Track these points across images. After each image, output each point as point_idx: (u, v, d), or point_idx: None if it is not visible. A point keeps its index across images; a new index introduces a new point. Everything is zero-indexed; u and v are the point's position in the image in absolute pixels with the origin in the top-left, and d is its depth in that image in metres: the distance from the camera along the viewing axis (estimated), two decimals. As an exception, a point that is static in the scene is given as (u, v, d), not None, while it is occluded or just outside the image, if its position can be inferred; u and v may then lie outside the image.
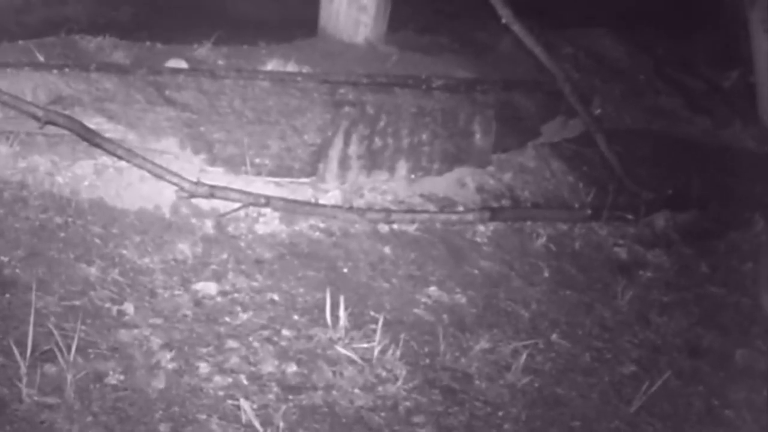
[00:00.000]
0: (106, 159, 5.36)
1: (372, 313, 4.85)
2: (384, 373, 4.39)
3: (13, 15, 7.22)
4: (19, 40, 5.95)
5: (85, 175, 5.30)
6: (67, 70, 5.39)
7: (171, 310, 4.56)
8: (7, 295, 4.34)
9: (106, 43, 6.19)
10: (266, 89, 5.74)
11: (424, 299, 5.15)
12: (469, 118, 6.36)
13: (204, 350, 4.31)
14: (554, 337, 5.05)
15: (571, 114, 7.04)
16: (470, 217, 5.96)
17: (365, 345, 4.51)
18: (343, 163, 5.90)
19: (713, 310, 5.70)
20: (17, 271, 4.54)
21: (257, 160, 5.64)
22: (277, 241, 5.36)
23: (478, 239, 5.90)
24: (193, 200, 5.36)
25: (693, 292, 5.86)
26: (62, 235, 4.89)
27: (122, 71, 5.57)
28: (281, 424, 3.90)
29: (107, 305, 4.47)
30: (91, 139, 5.23)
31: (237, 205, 5.39)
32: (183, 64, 5.95)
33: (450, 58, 7.21)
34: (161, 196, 5.35)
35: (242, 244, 5.26)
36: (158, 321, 4.46)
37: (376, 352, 4.45)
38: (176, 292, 4.72)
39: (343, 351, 4.44)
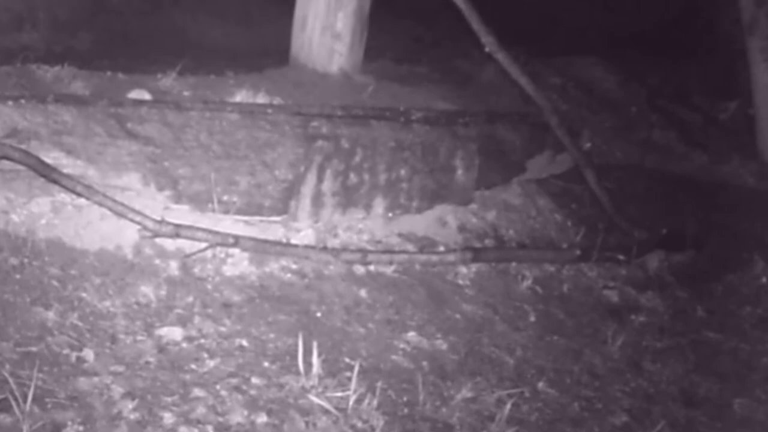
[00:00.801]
0: (64, 196, 5.38)
1: (347, 360, 4.88)
2: (360, 424, 4.41)
3: (-35, 43, 7.26)
4: (-29, 69, 5.96)
5: (42, 213, 5.32)
6: (23, 101, 5.40)
7: (133, 357, 4.58)
8: (-41, 341, 4.35)
9: (64, 72, 6.21)
10: (235, 122, 5.79)
11: (402, 345, 5.19)
12: (451, 152, 6.43)
13: (168, 399, 4.32)
14: (541, 385, 5.09)
15: (559, 148, 7.14)
16: (451, 257, 6.02)
17: (340, 394, 4.53)
18: (317, 201, 5.94)
19: (710, 356, 5.76)
20: (-31, 315, 4.56)
21: (225, 198, 5.67)
22: (246, 283, 5.41)
23: (460, 281, 5.96)
24: (157, 240, 5.40)
25: (688, 338, 5.92)
26: (18, 276, 4.92)
27: (81, 103, 5.60)
28: (251, 478, 3.95)
29: (65, 351, 4.49)
30: (49, 174, 5.24)
31: (203, 245, 5.44)
32: (146, 95, 5.98)
33: (430, 88, 7.26)
34: (123, 235, 5.38)
35: (209, 286, 5.31)
36: (120, 368, 4.47)
37: (351, 402, 4.47)
38: (139, 338, 4.74)
39: (316, 400, 4.45)
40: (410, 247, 6.11)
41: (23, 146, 5.26)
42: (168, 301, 5.09)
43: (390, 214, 6.25)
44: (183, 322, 4.95)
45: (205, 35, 7.71)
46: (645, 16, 11.08)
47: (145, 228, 5.31)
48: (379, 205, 6.19)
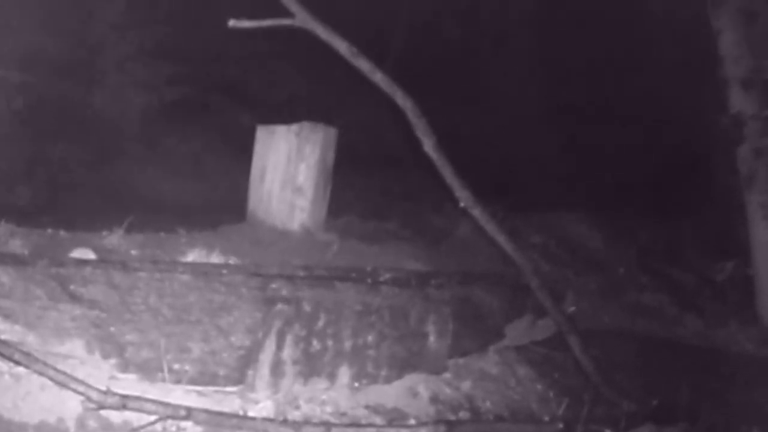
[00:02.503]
0: (1, 364, 5.46)
1: None
2: None
3: None
4: None
5: (-24, 383, 5.40)
6: (-44, 261, 5.51)
7: None
8: None
9: (1, 230, 6.37)
10: (187, 284, 5.89)
11: None
12: (422, 317, 6.55)
13: None
14: None
15: (541, 312, 7.26)
16: (423, 431, 6.05)
17: None
18: (276, 369, 6.01)
19: None
20: None
21: (176, 366, 5.75)
22: (199, 459, 5.45)
23: (434, 457, 6.01)
24: (102, 412, 5.46)
25: None
26: (-51, 453, 4.99)
27: (20, 263, 5.70)
28: None
29: None
30: (-16, 341, 5.35)
31: (153, 417, 5.48)
32: (90, 255, 6.13)
33: (400, 247, 7.40)
34: (65, 407, 5.43)
35: (158, 463, 5.36)
36: None
37: None
38: None
39: None
40: (378, 420, 6.16)
41: (-43, 310, 5.35)
42: (113, 480, 5.12)
43: (356, 384, 6.31)
44: (130, 503, 4.97)
45: (154, 189, 7.80)
46: (635, 166, 11.26)
47: (89, 399, 5.34)
48: (344, 374, 6.26)
